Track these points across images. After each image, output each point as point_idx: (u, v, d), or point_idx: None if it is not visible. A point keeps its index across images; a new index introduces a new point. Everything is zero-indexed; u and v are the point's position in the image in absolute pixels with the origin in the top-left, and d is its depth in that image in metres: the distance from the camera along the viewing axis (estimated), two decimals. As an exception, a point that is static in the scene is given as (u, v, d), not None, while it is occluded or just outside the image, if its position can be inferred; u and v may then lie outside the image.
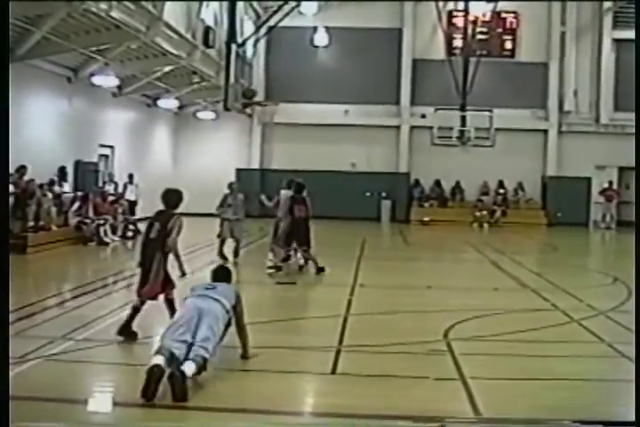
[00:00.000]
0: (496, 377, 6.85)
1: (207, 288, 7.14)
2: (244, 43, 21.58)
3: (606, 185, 30.19)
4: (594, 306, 10.74)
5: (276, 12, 23.42)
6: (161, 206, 8.58)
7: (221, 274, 7.77)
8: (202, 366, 6.23)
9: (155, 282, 8.34)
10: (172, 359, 6.15)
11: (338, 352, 7.68)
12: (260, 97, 30.04)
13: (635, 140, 16.66)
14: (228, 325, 6.90)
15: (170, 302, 8.35)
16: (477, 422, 5.74)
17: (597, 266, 18.11)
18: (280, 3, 22.80)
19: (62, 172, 19.85)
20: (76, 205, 18.95)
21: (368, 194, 30.49)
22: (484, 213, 29.76)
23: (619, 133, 30.50)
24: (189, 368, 6.07)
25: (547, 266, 17.49)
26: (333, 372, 6.99)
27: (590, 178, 30.72)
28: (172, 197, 8.55)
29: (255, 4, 29.07)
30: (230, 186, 16.68)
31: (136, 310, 8.31)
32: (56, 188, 19.02)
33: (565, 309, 10.52)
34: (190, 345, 6.31)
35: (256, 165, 31.50)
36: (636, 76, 11.20)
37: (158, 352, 6.21)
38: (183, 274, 8.46)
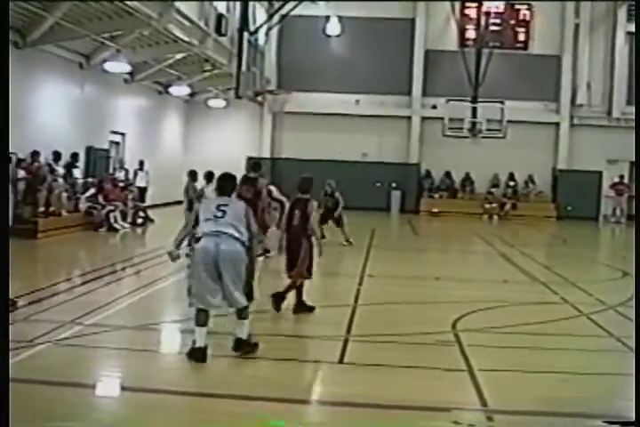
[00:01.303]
0: (503, 369, 6.85)
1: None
2: (256, 31, 21.56)
3: (617, 179, 30.05)
4: (603, 300, 10.72)
5: (288, 0, 23.36)
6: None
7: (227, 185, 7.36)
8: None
9: (301, 268, 9.02)
10: None
11: (346, 342, 7.70)
12: (271, 85, 30.04)
13: (635, 134, 16.60)
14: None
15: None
16: (485, 412, 5.74)
17: (607, 260, 18.05)
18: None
19: (74, 158, 19.88)
20: (92, 191, 19.00)
21: (378, 184, 30.46)
22: (494, 205, 29.69)
23: (630, 127, 30.27)
24: None
25: (556, 259, 17.45)
26: (341, 361, 7.00)
27: (601, 172, 30.58)
28: (306, 184, 9.16)
29: (268, -8, 28.98)
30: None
31: (298, 287, 9.14)
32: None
33: (575, 302, 10.50)
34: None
35: (267, 154, 31.47)
36: (637, 70, 11.13)
37: None
38: (320, 254, 9.20)
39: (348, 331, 8.24)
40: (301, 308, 9.16)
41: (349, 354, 7.24)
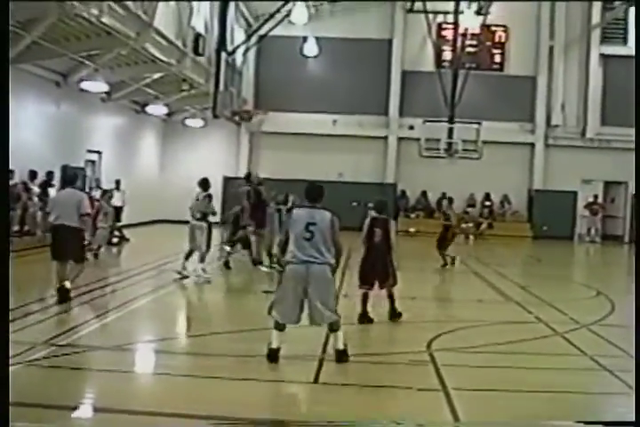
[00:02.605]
0: (478, 388, 6.87)
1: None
2: (234, 51, 21.69)
3: (591, 199, 30.37)
4: (577, 319, 10.79)
5: (266, 20, 23.51)
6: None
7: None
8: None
9: (393, 280, 10.18)
10: None
11: (321, 361, 7.68)
12: (249, 105, 30.14)
13: (635, 149, 16.80)
14: None
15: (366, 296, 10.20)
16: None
17: (581, 279, 18.19)
18: (271, 12, 22.87)
19: (49, 176, 19.77)
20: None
21: (355, 204, 30.52)
22: (470, 225, 29.81)
23: (605, 148, 30.76)
24: None
25: (531, 278, 17.55)
26: (316, 381, 6.99)
27: (576, 192, 30.88)
28: (383, 205, 10.18)
29: (246, 12, 29.15)
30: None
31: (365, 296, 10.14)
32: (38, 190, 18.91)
33: (549, 321, 10.56)
34: None
35: (243, 174, 31.41)
36: (636, 85, 11.29)
37: None
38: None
39: (324, 351, 8.23)
40: (365, 318, 10.04)
41: (324, 374, 7.23)
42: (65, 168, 21.33)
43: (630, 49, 30.24)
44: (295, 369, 7.53)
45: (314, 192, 7.91)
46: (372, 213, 10.57)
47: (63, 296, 10.61)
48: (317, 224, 7.55)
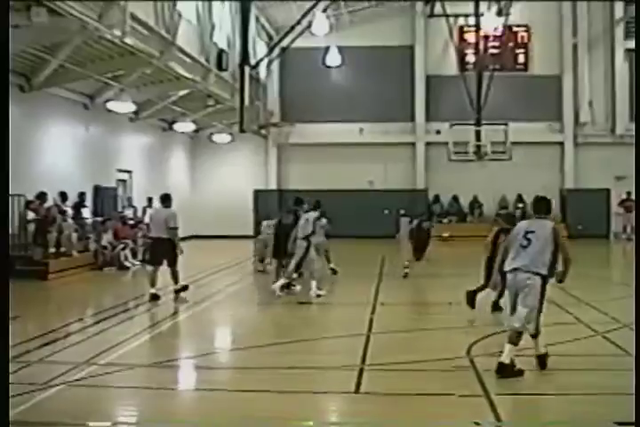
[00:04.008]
0: (521, 392, 6.81)
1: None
2: (257, 64, 21.80)
3: (625, 196, 29.99)
4: (618, 318, 10.65)
5: (287, 33, 23.61)
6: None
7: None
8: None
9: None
10: None
11: (361, 371, 7.66)
12: (275, 118, 30.27)
13: (634, 147, 16.59)
14: None
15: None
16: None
17: (619, 278, 17.97)
18: (292, 24, 22.96)
19: (82, 197, 20.00)
20: (100, 229, 19.12)
21: (386, 211, 30.47)
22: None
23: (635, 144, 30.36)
24: None
25: (569, 279, 17.32)
26: (357, 391, 6.97)
27: (609, 189, 30.54)
28: (543, 206, 9.20)
29: (267, 25, 29.31)
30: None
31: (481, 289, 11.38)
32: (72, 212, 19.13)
33: (589, 322, 10.45)
34: None
35: (273, 186, 31.60)
36: (637, 82, 11.21)
37: None
38: None
39: (363, 360, 8.21)
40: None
41: (364, 384, 7.20)
42: (97, 189, 21.58)
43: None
44: (336, 379, 7.52)
45: (538, 204, 8.39)
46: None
47: (181, 290, 13.36)
48: (535, 232, 7.81)
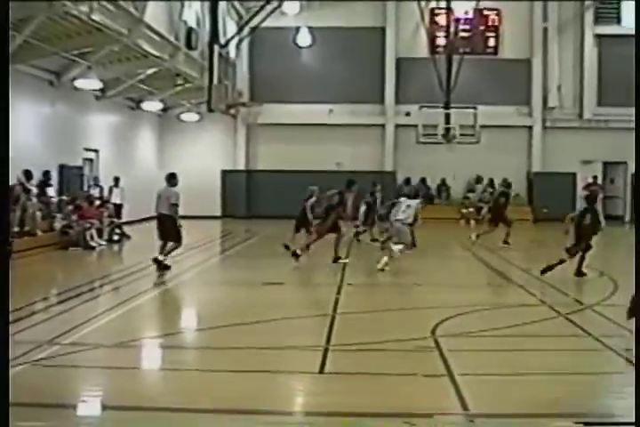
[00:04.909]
0: (484, 373, 6.86)
1: None
2: (226, 44, 21.56)
3: (591, 180, 30.30)
4: (580, 300, 10.79)
5: (258, 12, 23.40)
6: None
7: None
8: None
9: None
10: None
11: (326, 351, 7.68)
12: (244, 98, 30.07)
13: (635, 137, 16.77)
14: None
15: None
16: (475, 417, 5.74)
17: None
18: (262, 3, 22.77)
19: (46, 176, 19.75)
20: (69, 208, 18.92)
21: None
22: (471, 209, 29.75)
23: (602, 128, 30.69)
24: None
25: (533, 261, 17.51)
26: (322, 371, 6.98)
27: (575, 173, 30.86)
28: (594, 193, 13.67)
29: (237, 4, 29.04)
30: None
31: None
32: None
33: (552, 303, 10.57)
34: None
35: (242, 166, 31.46)
36: (636, 72, 11.35)
37: None
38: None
39: (328, 340, 8.22)
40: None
41: (330, 363, 7.22)
42: (62, 167, 21.33)
43: (624, 28, 30.12)
44: (300, 360, 7.53)
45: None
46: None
47: (160, 266, 13.96)
48: None
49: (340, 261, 15.28)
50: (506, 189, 20.75)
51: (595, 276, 13.93)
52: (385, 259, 14.30)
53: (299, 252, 15.24)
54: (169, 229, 14.21)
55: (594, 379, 6.88)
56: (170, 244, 14.26)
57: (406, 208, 14.65)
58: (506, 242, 19.47)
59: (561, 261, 13.26)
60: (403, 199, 15.43)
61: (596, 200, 13.62)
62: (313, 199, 17.33)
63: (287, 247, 16.87)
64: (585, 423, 5.36)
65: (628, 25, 29.74)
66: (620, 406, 6.08)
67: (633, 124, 30.61)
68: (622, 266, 14.20)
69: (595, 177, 30.42)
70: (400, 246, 14.53)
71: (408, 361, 7.39)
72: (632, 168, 31.05)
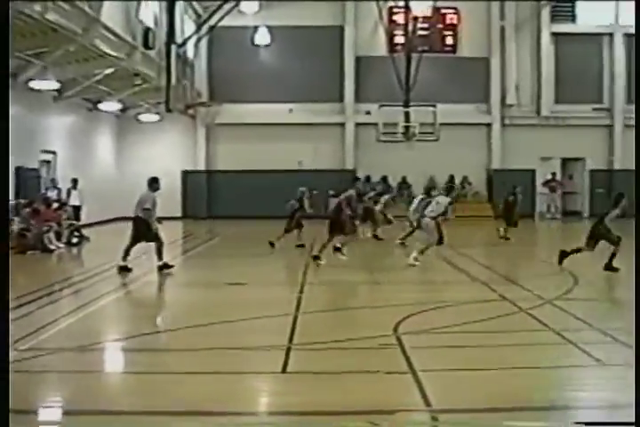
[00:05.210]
0: (447, 368, 6.88)
1: None
2: (184, 43, 21.45)
3: (550, 176, 30.67)
4: (541, 295, 10.88)
5: (215, 11, 23.30)
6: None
7: None
8: None
9: None
10: None
11: (288, 351, 7.64)
12: (203, 98, 29.92)
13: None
14: None
15: None
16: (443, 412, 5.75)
17: (544, 256, 18.31)
18: (219, 2, 22.67)
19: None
20: (26, 211, 18.62)
21: (316, 192, 30.40)
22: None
23: (560, 125, 31.07)
24: None
25: (495, 258, 17.68)
26: (284, 370, 6.94)
27: (534, 170, 31.19)
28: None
29: (195, 3, 28.86)
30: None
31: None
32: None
33: (513, 299, 10.64)
34: None
35: (202, 167, 31.28)
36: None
37: None
38: None
39: (291, 340, 8.19)
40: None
41: (293, 363, 7.18)
42: (19, 170, 21.01)
43: (579, 26, 30.56)
44: (263, 360, 7.49)
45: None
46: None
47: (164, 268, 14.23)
48: None
49: (319, 261, 15.17)
50: (514, 190, 21.53)
51: (556, 271, 14.07)
52: (414, 254, 14.88)
53: (320, 255, 15.27)
54: (144, 232, 14.29)
55: (555, 373, 6.93)
56: (153, 245, 14.42)
57: (436, 205, 15.44)
58: (506, 238, 20.40)
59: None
60: (438, 197, 16.18)
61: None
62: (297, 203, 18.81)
63: (272, 245, 18.07)
64: (585, 424, 5.38)
65: (582, 23, 30.18)
66: (581, 398, 6.17)
67: (589, 121, 31.24)
68: (582, 261, 14.37)
69: (553, 173, 30.78)
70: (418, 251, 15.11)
71: (371, 359, 7.38)
72: (590, 164, 31.55)
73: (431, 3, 29.61)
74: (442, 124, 28.13)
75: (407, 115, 28.07)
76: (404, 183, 31.39)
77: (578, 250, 13.87)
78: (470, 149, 31.09)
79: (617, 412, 5.81)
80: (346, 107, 31.27)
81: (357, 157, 31.28)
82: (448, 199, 15.72)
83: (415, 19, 29.89)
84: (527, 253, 18.24)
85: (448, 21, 31.54)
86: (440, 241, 15.40)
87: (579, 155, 31.60)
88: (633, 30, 30.58)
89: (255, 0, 28.98)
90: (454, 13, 31.47)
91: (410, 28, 29.34)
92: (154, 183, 14.57)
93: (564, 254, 14.08)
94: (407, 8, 29.15)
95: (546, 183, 30.69)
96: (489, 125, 31.58)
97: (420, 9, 30.11)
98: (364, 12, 30.87)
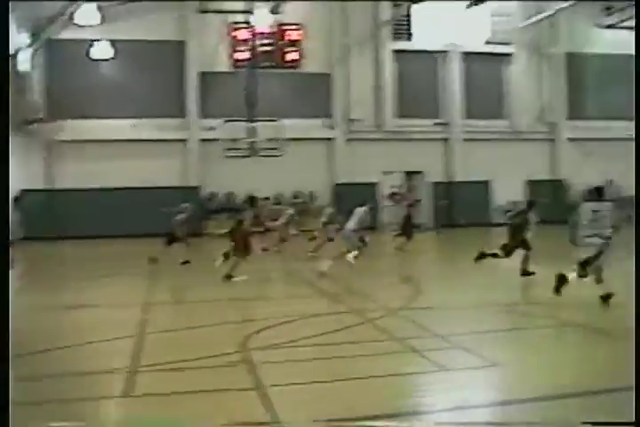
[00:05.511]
0: (295, 382, 6.88)
1: None
2: (15, 54, 20.56)
3: (393, 189, 31.52)
4: (385, 306, 11.09)
5: (52, 23, 22.52)
6: None
7: None
8: None
9: None
10: None
11: (133, 373, 7.39)
12: (41, 113, 28.78)
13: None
14: None
15: None
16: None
17: (387, 267, 18.75)
18: (53, 14, 21.93)
19: None
20: None
21: (164, 210, 29.78)
22: (278, 223, 29.85)
23: (402, 139, 32.04)
24: None
25: (338, 270, 17.90)
26: (128, 394, 6.70)
27: (378, 183, 31.96)
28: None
29: (31, 15, 27.74)
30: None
31: None
32: None
33: (359, 310, 10.79)
34: None
35: (40, 185, 29.95)
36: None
37: None
38: None
39: (135, 362, 7.93)
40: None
41: (138, 386, 6.96)
42: None
43: (417, 44, 31.63)
44: (109, 384, 7.21)
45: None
46: None
47: None
48: None
49: (234, 279, 14.76)
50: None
51: (399, 281, 14.41)
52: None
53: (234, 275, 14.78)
54: None
55: (401, 380, 7.07)
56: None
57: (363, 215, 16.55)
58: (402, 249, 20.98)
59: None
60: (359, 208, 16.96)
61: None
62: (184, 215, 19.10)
63: (154, 260, 17.74)
64: (593, 423, 5.42)
65: (417, 41, 31.28)
66: (427, 403, 6.36)
67: (429, 135, 32.43)
68: (424, 271, 14.83)
69: (396, 186, 31.66)
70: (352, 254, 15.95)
71: (221, 377, 7.27)
72: (430, 177, 32.68)
73: (275, 18, 29.85)
74: (287, 139, 28.27)
75: (252, 130, 28.09)
76: (250, 199, 31.08)
77: (494, 254, 14.01)
78: (316, 164, 31.48)
79: (465, 413, 6.04)
80: (190, 122, 30.86)
81: (203, 174, 30.83)
82: (364, 209, 16.77)
83: (259, 34, 30.05)
84: (373, 266, 18.49)
85: (292, 37, 31.83)
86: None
87: (419, 168, 32.69)
88: (467, 49, 32.22)
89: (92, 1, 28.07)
90: (298, 29, 31.82)
91: (253, 43, 29.45)
92: (14, 201, 13.99)
93: (481, 256, 14.23)
94: (249, 24, 29.26)
95: (389, 196, 31.49)
96: (333, 140, 32.10)
97: (264, 25, 30.29)
98: (208, 27, 30.69)
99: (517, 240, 13.74)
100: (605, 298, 10.47)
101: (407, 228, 21.39)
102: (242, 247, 15.09)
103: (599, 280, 10.52)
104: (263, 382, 6.88)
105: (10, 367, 4.99)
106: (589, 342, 8.76)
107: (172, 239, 18.59)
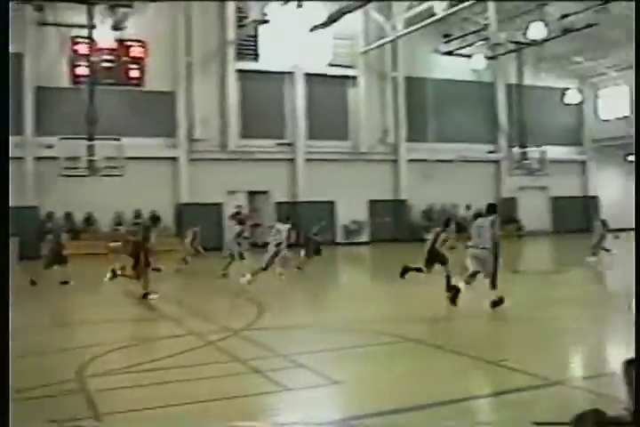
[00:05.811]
0: (134, 408, 6.65)
1: None
2: None
3: (236, 209, 31.39)
4: (228, 327, 10.98)
5: None
6: None
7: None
8: None
9: None
10: None
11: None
12: None
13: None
14: None
15: None
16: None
17: (224, 287, 18.48)
18: None
19: None
20: None
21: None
22: (119, 244, 28.98)
23: (246, 159, 32.11)
24: None
25: (182, 293, 17.64)
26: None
27: (222, 203, 31.79)
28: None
29: None
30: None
31: None
32: None
33: (202, 332, 10.61)
34: None
35: None
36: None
37: None
38: None
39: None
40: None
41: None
42: None
43: (262, 64, 31.87)
44: None
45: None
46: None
47: None
48: None
49: (150, 296, 14.59)
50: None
51: (241, 304, 14.32)
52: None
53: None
54: None
55: (245, 401, 6.99)
56: None
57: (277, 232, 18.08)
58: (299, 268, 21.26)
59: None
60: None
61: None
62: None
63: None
64: (597, 423, 5.28)
65: (265, 61, 31.53)
66: (277, 422, 6.36)
67: (273, 155, 32.67)
68: (260, 289, 14.80)
69: (240, 206, 31.57)
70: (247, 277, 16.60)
71: (53, 407, 6.89)
72: (275, 197, 32.86)
73: (116, 34, 29.24)
74: (128, 159, 27.60)
75: (91, 148, 27.23)
76: (89, 219, 30.16)
77: (419, 269, 14.29)
78: (158, 184, 30.90)
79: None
80: (25, 140, 29.38)
81: (39, 193, 29.41)
82: (287, 226, 18.14)
83: (99, 50, 29.33)
84: (212, 287, 18.25)
85: (134, 54, 31.22)
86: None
87: (264, 188, 32.82)
88: (311, 70, 32.73)
89: None
90: (141, 46, 31.25)
91: (94, 59, 28.67)
92: None
93: (405, 270, 14.66)
94: (91, 39, 28.44)
95: (233, 216, 31.31)
96: (176, 159, 31.68)
97: (105, 40, 29.58)
98: (47, 39, 29.59)
99: (435, 255, 14.23)
100: (496, 303, 11.81)
101: (308, 246, 21.78)
102: (143, 265, 15.07)
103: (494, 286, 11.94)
104: (99, 410, 6.60)
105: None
106: (424, 357, 8.97)
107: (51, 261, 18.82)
